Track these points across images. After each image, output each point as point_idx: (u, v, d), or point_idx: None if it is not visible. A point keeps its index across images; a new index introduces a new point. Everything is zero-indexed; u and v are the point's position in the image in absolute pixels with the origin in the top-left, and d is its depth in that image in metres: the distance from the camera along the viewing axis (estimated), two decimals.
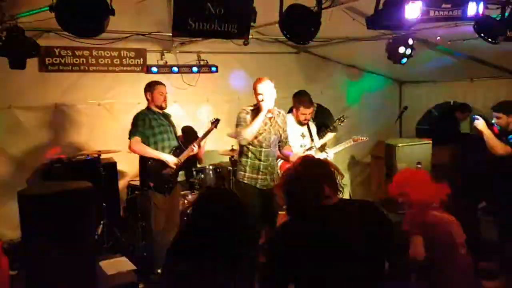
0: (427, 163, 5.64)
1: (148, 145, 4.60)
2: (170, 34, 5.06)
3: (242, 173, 4.46)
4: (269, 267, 2.10)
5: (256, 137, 4.31)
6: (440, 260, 3.17)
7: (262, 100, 4.21)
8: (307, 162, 2.27)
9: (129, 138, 4.61)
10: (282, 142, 4.61)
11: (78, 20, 2.47)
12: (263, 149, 4.39)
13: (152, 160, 4.61)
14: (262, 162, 4.39)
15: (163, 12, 5.27)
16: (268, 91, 4.23)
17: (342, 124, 5.80)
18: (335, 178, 2.20)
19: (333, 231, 2.06)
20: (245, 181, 4.42)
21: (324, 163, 2.30)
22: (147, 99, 4.79)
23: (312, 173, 2.16)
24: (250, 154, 4.41)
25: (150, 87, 4.79)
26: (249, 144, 4.36)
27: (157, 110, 4.78)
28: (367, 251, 2.05)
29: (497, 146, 4.44)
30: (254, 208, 4.24)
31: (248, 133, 4.25)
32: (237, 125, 4.39)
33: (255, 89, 4.29)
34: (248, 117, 4.34)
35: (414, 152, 5.95)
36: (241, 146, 4.50)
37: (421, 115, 7.83)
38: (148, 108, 4.79)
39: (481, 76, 6.58)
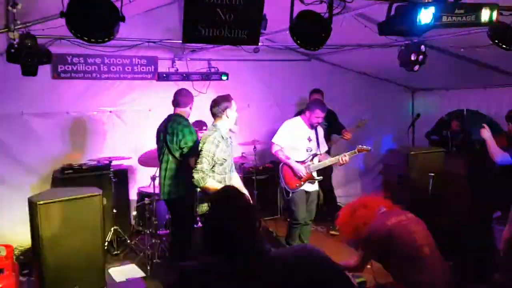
0: (440, 171, 5.56)
1: None
2: (181, 41, 5.10)
3: None
4: None
5: (221, 164, 4.06)
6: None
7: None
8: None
9: None
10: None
11: (88, 26, 2.47)
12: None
13: None
14: None
15: (174, 20, 5.31)
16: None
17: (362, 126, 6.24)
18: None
19: None
20: None
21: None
22: (189, 109, 4.69)
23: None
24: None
25: (191, 99, 4.72)
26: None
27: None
28: None
29: (496, 154, 4.43)
30: None
31: None
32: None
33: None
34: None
35: (426, 160, 5.88)
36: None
37: (434, 123, 7.73)
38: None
39: (494, 84, 6.49)
